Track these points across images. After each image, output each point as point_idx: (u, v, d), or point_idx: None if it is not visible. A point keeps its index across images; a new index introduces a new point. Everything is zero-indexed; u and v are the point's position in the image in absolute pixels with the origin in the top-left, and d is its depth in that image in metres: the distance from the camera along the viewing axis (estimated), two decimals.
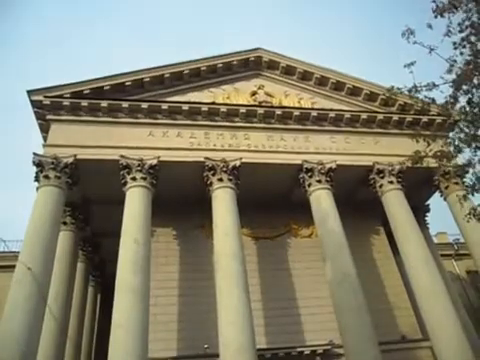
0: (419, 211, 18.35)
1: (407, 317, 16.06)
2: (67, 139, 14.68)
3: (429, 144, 9.87)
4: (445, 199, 16.97)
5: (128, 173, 14.23)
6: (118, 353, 10.70)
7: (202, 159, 14.97)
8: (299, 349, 14.03)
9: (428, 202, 19.86)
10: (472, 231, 15.15)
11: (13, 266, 12.38)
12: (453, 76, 8.85)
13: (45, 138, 15.33)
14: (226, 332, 11.55)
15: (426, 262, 14.19)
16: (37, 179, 13.87)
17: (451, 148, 10.69)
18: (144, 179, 14.11)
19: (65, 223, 15.86)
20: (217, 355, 11.70)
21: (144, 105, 15.54)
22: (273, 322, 14.47)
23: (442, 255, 21.65)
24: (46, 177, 13.68)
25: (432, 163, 12.07)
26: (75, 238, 16.23)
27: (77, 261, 16.81)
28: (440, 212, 20.84)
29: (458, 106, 9.31)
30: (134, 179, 14.10)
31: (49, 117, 15.10)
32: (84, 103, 15.13)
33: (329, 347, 14.20)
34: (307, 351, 14.05)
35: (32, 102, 14.94)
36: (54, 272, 12.85)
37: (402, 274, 16.90)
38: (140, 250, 12.52)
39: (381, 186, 16.24)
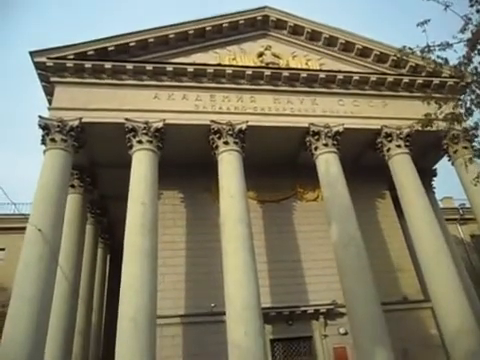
0: (426, 175, 18.24)
1: (410, 279, 16.35)
2: (72, 102, 14.56)
3: (440, 107, 9.67)
4: (453, 163, 16.83)
5: (134, 136, 14.19)
6: (128, 311, 11.08)
7: (208, 122, 14.84)
8: (303, 308, 14.46)
9: (435, 166, 19.75)
10: (479, 195, 15.14)
11: (23, 228, 12.65)
12: (468, 35, 8.55)
13: (50, 101, 15.22)
14: (232, 291, 11.89)
15: (431, 225, 14.28)
16: (44, 142, 13.90)
17: (462, 111, 10.52)
18: (150, 142, 14.08)
19: (73, 186, 16.04)
20: (223, 313, 12.11)
21: (149, 67, 15.25)
22: (278, 283, 14.84)
23: (447, 219, 21.80)
24: (52, 140, 13.70)
25: (442, 127, 11.90)
26: (83, 201, 16.45)
27: (86, 224, 17.12)
28: (447, 176, 20.79)
29: (471, 67, 9.05)
30: (140, 142, 14.07)
31: (53, 79, 14.92)
32: (88, 65, 14.88)
33: (332, 307, 14.61)
34: (310, 310, 14.49)
35: (35, 64, 14.72)
36: (64, 234, 13.14)
37: (406, 238, 17.06)
38: (147, 213, 12.68)
39: (388, 150, 16.08)
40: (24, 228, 12.51)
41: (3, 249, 22.85)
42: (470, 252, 26.73)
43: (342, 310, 14.22)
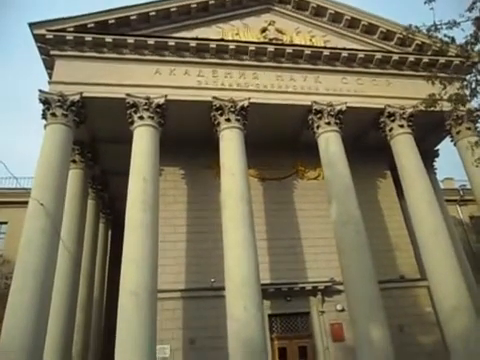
0: (428, 156, 18.23)
1: (407, 258, 16.55)
2: (72, 76, 14.40)
3: (445, 86, 9.56)
4: (455, 144, 16.77)
5: (135, 112, 14.10)
6: (129, 285, 11.28)
7: (210, 99, 14.71)
8: (301, 285, 14.71)
9: (437, 147, 19.69)
10: None
11: (26, 202, 12.74)
12: (476, 13, 8.38)
13: (50, 75, 15.04)
14: (232, 267, 12.07)
15: (430, 206, 14.35)
16: (44, 117, 13.83)
17: (467, 91, 10.40)
18: (151, 118, 14.00)
19: (74, 161, 16.06)
20: (223, 288, 12.33)
21: (150, 41, 15.01)
22: (277, 259, 15.05)
23: (447, 200, 21.87)
24: (53, 115, 13.63)
25: (446, 107, 11.79)
26: (85, 176, 16.51)
27: (87, 199, 17.23)
28: (449, 157, 20.75)
29: (478, 47, 8.91)
30: (141, 118, 13.99)
31: (53, 52, 14.71)
32: (88, 38, 14.64)
33: (330, 284, 14.86)
34: (309, 287, 14.75)
35: (34, 36, 14.48)
36: (65, 209, 13.23)
37: (405, 218, 17.19)
38: (148, 188, 12.74)
39: (391, 130, 16.00)
40: (26, 202, 12.59)
41: (6, 223, 23.05)
42: (469, 233, 26.93)
43: (340, 287, 14.46)
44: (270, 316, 14.47)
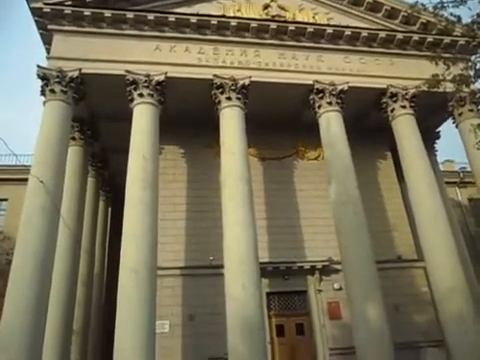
0: (429, 137, 18.14)
1: (405, 239, 16.68)
2: (71, 52, 14.17)
3: (449, 67, 9.42)
4: (457, 126, 16.67)
5: (135, 89, 13.94)
6: (129, 262, 11.40)
7: (210, 77, 14.52)
8: (299, 264, 14.88)
9: (439, 129, 19.57)
10: None
11: (26, 179, 12.73)
12: None
13: (49, 50, 14.80)
14: (231, 246, 12.18)
15: (430, 187, 14.36)
16: (43, 93, 13.69)
17: (471, 72, 10.26)
18: (151, 96, 13.85)
19: (74, 139, 15.97)
20: (222, 266, 12.45)
21: (150, 16, 14.70)
22: (276, 239, 15.17)
23: (447, 182, 21.88)
24: (52, 91, 13.49)
25: (449, 88, 11.65)
26: (84, 153, 16.44)
27: (87, 176, 17.21)
28: (450, 139, 20.67)
29: None
30: (141, 95, 13.84)
31: (51, 27, 14.42)
32: (87, 12, 14.33)
33: (328, 263, 15.02)
34: (307, 266, 14.91)
35: (31, 9, 14.17)
36: (65, 186, 13.23)
37: (405, 199, 17.23)
38: (148, 167, 12.72)
39: (393, 110, 15.86)
40: (26, 179, 12.60)
41: (6, 199, 23.11)
42: (467, 215, 27.05)
43: (337, 267, 14.62)
44: (268, 294, 14.68)
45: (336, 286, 14.89)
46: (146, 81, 13.87)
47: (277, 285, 14.78)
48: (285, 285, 14.88)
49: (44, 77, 13.54)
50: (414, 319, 15.12)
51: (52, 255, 11.81)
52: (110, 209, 22.41)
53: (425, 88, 10.10)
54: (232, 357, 11.09)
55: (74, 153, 15.70)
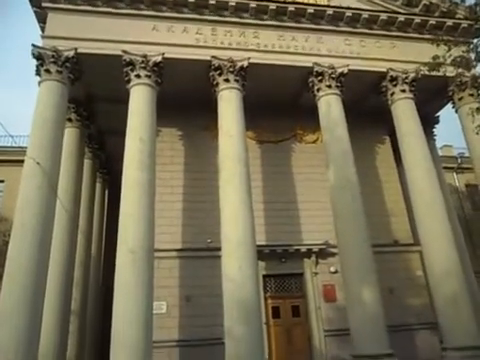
0: (428, 122, 18.04)
1: (402, 224, 16.75)
2: (66, 31, 13.88)
3: (450, 49, 9.31)
4: (456, 111, 16.57)
5: (132, 70, 13.73)
6: (127, 243, 11.41)
7: (208, 58, 14.30)
8: (296, 247, 14.96)
9: (438, 113, 19.47)
10: (479, 144, 15.11)
11: (22, 161, 12.65)
12: None
13: (43, 29, 14.51)
14: (228, 228, 12.20)
15: (427, 172, 14.36)
16: (38, 73, 13.47)
17: (472, 55, 10.14)
18: (148, 77, 13.66)
19: (70, 120, 15.81)
20: (219, 249, 12.49)
21: None
22: (273, 222, 15.20)
23: (445, 168, 21.93)
24: (47, 71, 13.27)
25: (449, 72, 11.55)
26: (81, 135, 16.30)
27: (84, 158, 17.10)
28: (449, 125, 20.59)
29: None
30: (138, 76, 13.65)
31: (45, 4, 14.07)
32: None
33: (324, 246, 15.11)
34: (303, 249, 15.00)
35: None
36: (62, 167, 13.16)
37: (402, 184, 17.25)
38: (145, 148, 12.63)
39: (392, 94, 15.73)
40: (23, 161, 12.51)
41: (2, 181, 23.04)
42: (464, 200, 27.18)
43: (334, 250, 14.71)
44: (265, 276, 14.79)
45: (332, 269, 15.02)
46: (143, 62, 13.66)
47: (274, 268, 14.89)
48: (281, 268, 14.99)
49: (39, 56, 13.30)
50: (408, 302, 15.31)
51: (49, 236, 11.82)
52: (107, 191, 22.39)
53: (425, 70, 9.97)
54: (228, 338, 11.23)
55: (70, 134, 15.57)
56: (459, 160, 27.78)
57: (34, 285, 10.81)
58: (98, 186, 20.74)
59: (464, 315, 12.63)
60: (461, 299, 12.75)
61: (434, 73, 10.67)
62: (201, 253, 14.37)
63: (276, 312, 14.71)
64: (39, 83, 13.35)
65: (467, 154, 19.62)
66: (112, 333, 10.68)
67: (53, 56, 13.23)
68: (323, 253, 15.22)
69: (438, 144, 21.23)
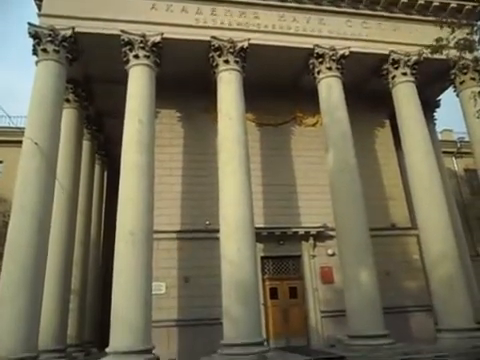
0: (428, 106, 17.97)
1: (400, 207, 16.83)
2: (63, 9, 13.63)
3: (453, 31, 9.17)
4: (458, 95, 16.46)
5: (130, 50, 13.56)
6: (126, 225, 11.49)
7: (208, 38, 14.11)
8: (294, 230, 15.06)
9: (439, 97, 19.34)
10: (479, 128, 15.07)
11: (20, 141, 12.59)
12: None
13: (39, 7, 14.22)
14: (227, 210, 12.24)
15: (427, 156, 14.36)
16: (35, 52, 13.30)
17: (476, 38, 10.01)
18: (147, 57, 13.49)
19: (68, 101, 15.65)
20: (218, 230, 12.58)
21: None
22: (272, 204, 15.28)
23: (444, 152, 21.90)
24: (44, 51, 13.11)
25: (451, 55, 11.42)
26: (79, 116, 16.17)
27: (83, 139, 17.00)
28: (450, 109, 20.47)
29: None
30: (137, 57, 13.48)
31: None
32: None
33: (322, 229, 15.22)
34: (301, 232, 15.11)
35: None
36: (61, 148, 13.10)
37: (401, 168, 17.26)
38: (144, 130, 12.57)
39: (393, 77, 15.60)
40: (21, 141, 12.45)
41: (1, 162, 22.99)
42: (462, 185, 27.26)
43: (331, 233, 14.82)
44: (263, 258, 14.93)
45: (330, 252, 15.15)
46: (142, 42, 13.48)
47: (272, 250, 15.02)
48: (280, 250, 15.13)
49: (36, 35, 13.11)
50: (404, 285, 15.51)
51: (49, 216, 11.86)
52: (106, 173, 22.36)
53: (428, 53, 9.84)
54: (226, 318, 11.42)
55: (69, 115, 15.44)
56: (459, 145, 27.75)
57: (34, 265, 10.90)
58: (97, 168, 20.70)
59: (459, 298, 12.82)
60: (456, 282, 12.92)
61: (436, 56, 10.56)
62: (200, 235, 14.46)
63: (274, 293, 14.90)
64: (36, 63, 13.19)
65: (467, 138, 19.57)
66: (112, 312, 10.84)
67: (50, 35, 13.04)
68: (321, 236, 15.33)
69: (438, 128, 21.16)
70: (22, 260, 10.77)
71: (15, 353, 9.93)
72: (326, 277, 15.04)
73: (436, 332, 13.27)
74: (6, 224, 12.02)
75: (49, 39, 13.03)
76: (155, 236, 12.40)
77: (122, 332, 10.55)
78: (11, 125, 21.43)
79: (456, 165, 27.70)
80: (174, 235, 14.40)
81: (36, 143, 11.78)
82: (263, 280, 14.75)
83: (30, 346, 10.36)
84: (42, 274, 11.25)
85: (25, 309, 10.41)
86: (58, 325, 13.19)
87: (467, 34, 9.59)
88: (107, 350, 10.56)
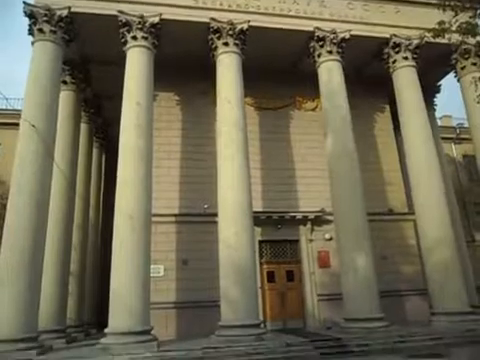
0: (429, 91, 17.84)
1: (397, 193, 16.88)
2: None
3: (456, 14, 9.03)
4: (459, 80, 16.35)
5: (128, 31, 13.37)
6: (125, 208, 11.50)
7: (207, 20, 13.90)
8: (292, 214, 15.11)
9: (440, 83, 19.21)
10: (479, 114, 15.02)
11: (17, 124, 12.49)
12: None
13: None
14: (225, 194, 12.26)
15: (425, 142, 14.35)
16: (31, 33, 13.10)
17: (479, 21, 9.86)
18: (145, 39, 13.30)
19: (65, 82, 15.48)
20: (216, 214, 12.63)
21: None
22: (270, 189, 15.30)
23: (443, 138, 21.88)
24: (40, 31, 12.92)
25: (454, 39, 11.30)
26: (76, 98, 16.00)
27: (80, 121, 16.87)
28: (450, 95, 20.37)
29: None
30: (135, 38, 13.30)
31: None
32: None
33: (320, 214, 15.28)
34: (299, 216, 15.17)
35: None
36: (58, 130, 13.04)
37: (400, 153, 17.24)
38: (142, 113, 12.48)
39: (394, 62, 15.47)
40: (18, 124, 12.36)
41: None
42: (460, 171, 27.33)
43: (329, 218, 14.89)
44: (260, 242, 15.03)
45: (327, 236, 15.25)
46: (140, 23, 13.28)
47: (269, 234, 15.10)
48: (277, 234, 15.20)
49: (31, 15, 12.90)
50: (400, 269, 15.68)
51: (47, 199, 11.87)
52: (104, 156, 22.25)
53: (430, 37, 9.70)
54: (224, 300, 11.55)
55: (66, 97, 15.28)
56: (458, 131, 27.71)
57: (33, 247, 10.96)
58: (95, 151, 20.58)
59: (454, 282, 13.00)
60: (452, 267, 13.07)
61: (438, 40, 10.41)
62: (198, 218, 14.50)
63: (271, 277, 15.04)
64: (32, 43, 13.01)
65: (466, 124, 19.53)
66: (111, 294, 10.95)
67: (46, 15, 12.84)
68: (319, 220, 15.40)
69: (438, 114, 21.08)
70: (21, 242, 10.82)
71: (16, 334, 10.07)
72: (323, 261, 15.17)
73: (430, 315, 13.48)
74: (4, 206, 12.02)
75: (45, 19, 12.83)
76: (153, 219, 12.43)
77: (121, 313, 10.67)
78: (8, 107, 21.33)
79: (455, 151, 27.73)
80: (173, 218, 14.44)
81: (33, 125, 11.71)
82: (261, 264, 14.87)
83: (30, 327, 10.52)
84: (41, 256, 11.31)
85: (24, 291, 10.52)
86: (58, 307, 13.32)
87: (470, 17, 9.45)
88: (106, 331, 10.71)
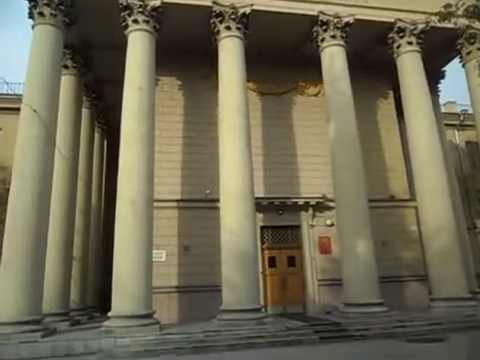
0: (433, 76, 17.64)
1: (399, 179, 16.85)
2: None
3: None
4: (463, 66, 16.16)
5: (129, 15, 13.18)
6: (127, 193, 11.54)
7: (209, 4, 13.67)
8: (294, 200, 15.15)
9: (444, 68, 18.99)
10: None
11: (19, 109, 12.44)
12: None
13: None
14: (227, 180, 12.28)
15: (429, 128, 14.27)
16: (31, 16, 12.93)
17: None
18: (147, 22, 13.13)
19: (66, 67, 15.36)
20: (218, 200, 12.68)
21: None
22: (272, 174, 15.30)
23: (447, 124, 21.74)
24: (41, 14, 12.73)
25: (460, 23, 11.12)
26: (78, 83, 15.90)
27: (82, 106, 16.80)
28: (454, 81, 20.14)
29: None
30: (136, 22, 13.12)
31: None
32: None
33: (322, 200, 15.30)
34: (301, 202, 15.20)
35: None
36: (60, 115, 12.95)
37: (403, 139, 17.17)
38: (144, 98, 12.41)
39: (398, 47, 15.28)
40: (19, 109, 12.30)
41: (0, 129, 22.79)
42: (463, 158, 27.21)
43: (331, 204, 14.91)
44: (262, 228, 15.07)
45: (328, 222, 15.30)
46: (141, 6, 13.08)
47: (271, 219, 15.15)
48: (279, 220, 15.26)
49: None
50: (401, 255, 15.76)
51: (49, 183, 11.89)
52: (106, 141, 22.22)
53: (435, 21, 9.54)
54: (226, 285, 11.67)
55: (67, 82, 15.18)
56: (461, 117, 27.48)
57: (36, 230, 11.02)
58: (97, 136, 20.52)
59: (454, 268, 13.08)
60: (452, 253, 13.14)
61: (443, 25, 10.24)
62: (200, 204, 14.54)
63: (272, 262, 15.15)
64: (33, 27, 12.86)
65: (470, 111, 19.37)
66: (114, 278, 11.07)
67: None
68: (320, 206, 15.43)
69: (442, 100, 20.89)
70: (24, 226, 10.88)
71: (21, 316, 10.21)
72: (324, 247, 15.26)
73: (430, 301, 13.60)
74: (7, 191, 12.06)
75: (45, 2, 12.62)
76: (155, 205, 12.47)
77: (124, 297, 10.80)
78: (9, 92, 21.20)
79: (458, 137, 27.55)
80: (174, 204, 14.48)
81: (34, 110, 11.65)
82: (262, 249, 14.95)
83: (35, 310, 10.66)
84: (44, 240, 11.39)
85: (28, 275, 10.60)
86: (61, 290, 13.49)
87: (477, 0, 9.27)
88: (109, 314, 10.87)
